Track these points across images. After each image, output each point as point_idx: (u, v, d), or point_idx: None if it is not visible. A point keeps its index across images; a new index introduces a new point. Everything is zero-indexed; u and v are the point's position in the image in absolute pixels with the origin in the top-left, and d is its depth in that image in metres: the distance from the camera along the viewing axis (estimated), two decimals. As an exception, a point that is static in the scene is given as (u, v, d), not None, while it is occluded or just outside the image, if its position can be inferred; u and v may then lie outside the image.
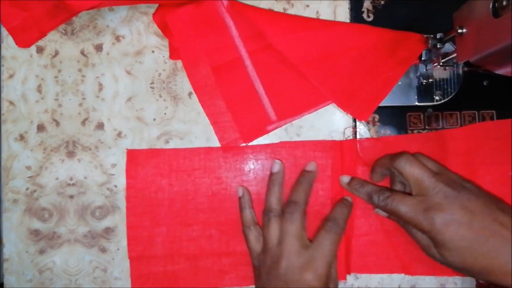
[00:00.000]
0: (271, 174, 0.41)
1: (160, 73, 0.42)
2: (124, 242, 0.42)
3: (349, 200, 0.40)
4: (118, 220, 0.42)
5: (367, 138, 0.41)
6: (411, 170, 0.35)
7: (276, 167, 0.40)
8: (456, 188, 0.34)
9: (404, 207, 0.35)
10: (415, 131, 0.42)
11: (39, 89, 0.42)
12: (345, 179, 0.40)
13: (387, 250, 0.41)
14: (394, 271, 0.41)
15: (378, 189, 0.37)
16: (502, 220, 0.33)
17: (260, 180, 0.42)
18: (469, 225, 0.33)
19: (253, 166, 0.42)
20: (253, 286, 0.41)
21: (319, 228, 0.38)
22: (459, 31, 0.34)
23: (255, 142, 0.42)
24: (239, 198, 0.41)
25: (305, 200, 0.39)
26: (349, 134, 0.42)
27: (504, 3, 0.29)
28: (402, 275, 0.42)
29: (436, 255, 0.36)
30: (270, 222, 0.38)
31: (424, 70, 0.41)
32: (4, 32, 0.41)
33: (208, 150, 0.42)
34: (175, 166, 0.41)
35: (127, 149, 0.42)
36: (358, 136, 0.42)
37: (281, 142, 0.42)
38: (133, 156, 0.41)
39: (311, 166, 0.41)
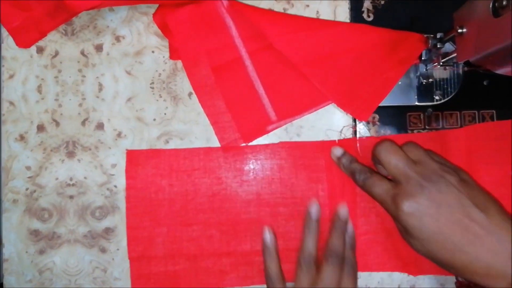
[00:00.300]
0: (309, 217, 0.40)
1: (160, 73, 0.42)
2: (124, 242, 0.42)
3: (351, 231, 0.40)
4: (118, 220, 0.42)
5: (367, 137, 0.41)
6: (387, 157, 0.36)
7: (315, 211, 0.40)
8: (430, 179, 0.34)
9: (378, 189, 0.36)
10: (415, 131, 0.42)
11: (39, 89, 0.42)
12: (337, 152, 0.40)
13: (388, 249, 0.41)
14: (395, 270, 0.41)
15: (361, 169, 0.38)
16: (475, 217, 0.32)
17: (260, 180, 0.42)
18: (434, 217, 0.33)
19: (253, 166, 0.42)
20: (254, 286, 0.41)
21: (340, 272, 0.38)
22: (459, 30, 0.34)
23: (255, 142, 0.42)
24: (265, 244, 0.40)
25: (342, 247, 0.39)
26: (347, 133, 0.42)
27: (504, 2, 0.29)
28: (402, 275, 0.42)
29: (406, 240, 0.36)
30: (310, 268, 0.38)
31: (424, 70, 0.41)
32: (5, 32, 0.41)
33: (208, 150, 0.42)
34: (175, 167, 0.41)
35: (126, 149, 0.42)
36: (358, 136, 0.42)
37: (280, 143, 0.42)
38: (132, 156, 0.41)
39: (344, 213, 0.40)
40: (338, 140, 0.42)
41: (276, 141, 0.42)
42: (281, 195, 0.41)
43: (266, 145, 0.42)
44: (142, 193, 0.41)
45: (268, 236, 0.40)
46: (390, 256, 0.41)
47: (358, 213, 0.41)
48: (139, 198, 0.41)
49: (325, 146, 0.41)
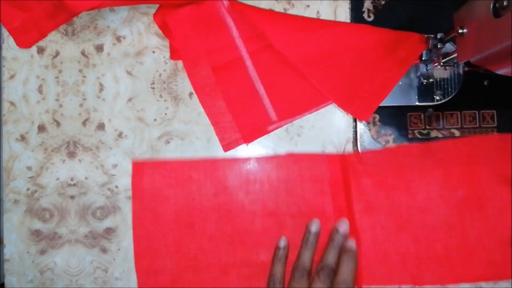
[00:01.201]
0: (308, 231, 0.40)
1: (160, 74, 0.42)
2: (125, 243, 0.42)
3: (354, 250, 0.39)
4: (119, 221, 0.42)
5: (370, 151, 0.41)
6: None
7: (314, 226, 0.40)
8: None
9: None
10: (415, 131, 0.42)
11: (40, 89, 0.42)
12: None
13: (395, 261, 0.41)
14: (403, 282, 0.41)
15: None
16: None
17: (266, 191, 0.41)
18: None
19: (259, 178, 0.41)
20: None
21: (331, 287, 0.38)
22: (460, 31, 0.34)
23: (255, 142, 0.42)
24: (278, 247, 0.40)
25: (335, 263, 0.39)
26: (350, 147, 0.42)
27: (505, 3, 0.29)
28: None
29: None
30: (302, 280, 0.38)
31: (425, 70, 0.41)
32: (5, 33, 0.41)
33: (214, 161, 0.41)
34: (180, 178, 0.41)
35: (132, 161, 0.41)
36: (358, 136, 0.42)
37: (287, 154, 0.42)
38: (138, 167, 0.41)
39: (344, 228, 0.40)
40: (343, 153, 0.42)
41: (276, 140, 0.42)
42: (287, 207, 0.41)
43: (272, 157, 0.42)
44: (149, 204, 0.41)
45: (283, 241, 0.41)
46: (397, 267, 0.41)
47: (364, 226, 0.41)
48: (145, 210, 0.41)
49: (331, 159, 0.41)
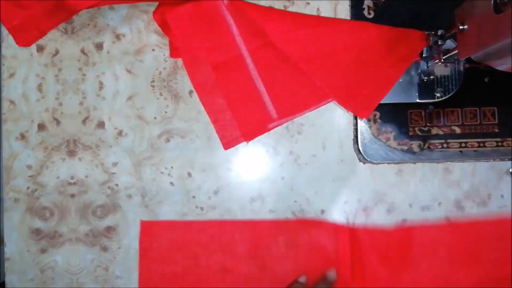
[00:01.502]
0: (325, 277, 0.40)
1: (160, 72, 0.42)
2: (125, 241, 0.42)
3: None
4: (119, 219, 0.42)
5: (379, 229, 0.41)
6: None
7: (332, 275, 0.40)
8: None
9: None
10: (416, 128, 0.42)
11: (39, 88, 0.42)
12: None
13: None
14: None
15: None
16: None
17: (274, 256, 0.41)
18: None
19: (266, 241, 0.41)
20: None
21: None
22: (460, 27, 0.34)
23: (255, 140, 0.42)
24: (297, 281, 0.40)
25: None
26: (363, 218, 0.42)
27: (506, -1, 0.29)
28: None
29: None
30: None
31: (425, 67, 0.41)
32: (5, 31, 0.41)
33: (222, 223, 0.41)
34: (189, 239, 0.41)
35: (140, 220, 0.41)
36: (359, 133, 0.42)
37: (297, 220, 0.41)
38: (146, 227, 0.41)
39: (332, 276, 0.40)
40: (352, 226, 0.41)
41: (277, 138, 0.42)
42: (294, 272, 0.41)
43: (281, 222, 0.41)
44: (155, 265, 0.41)
45: (303, 278, 0.40)
46: None
47: None
48: (152, 271, 0.41)
49: (340, 230, 0.41)
